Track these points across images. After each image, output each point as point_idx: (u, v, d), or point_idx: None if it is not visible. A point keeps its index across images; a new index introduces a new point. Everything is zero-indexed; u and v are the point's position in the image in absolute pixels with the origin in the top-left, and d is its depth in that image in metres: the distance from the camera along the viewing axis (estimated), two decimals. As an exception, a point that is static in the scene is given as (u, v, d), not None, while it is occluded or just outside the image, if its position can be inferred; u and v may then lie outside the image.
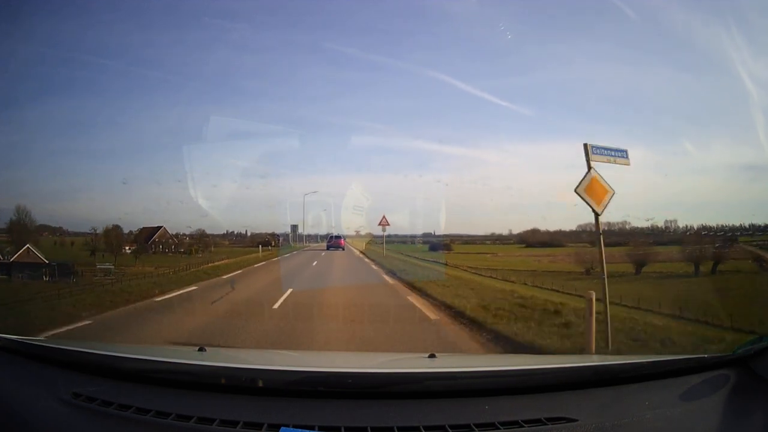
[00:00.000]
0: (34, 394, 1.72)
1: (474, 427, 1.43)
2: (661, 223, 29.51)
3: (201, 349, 2.18)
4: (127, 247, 33.04)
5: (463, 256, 32.68)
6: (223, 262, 22.49)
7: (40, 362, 1.94)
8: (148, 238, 34.60)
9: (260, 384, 1.63)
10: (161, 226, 34.96)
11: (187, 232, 36.52)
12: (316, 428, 1.40)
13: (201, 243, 36.84)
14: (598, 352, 4.77)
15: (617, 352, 4.88)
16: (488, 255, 36.75)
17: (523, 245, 38.52)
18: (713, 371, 1.77)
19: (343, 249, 30.16)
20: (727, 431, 1.51)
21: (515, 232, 40.09)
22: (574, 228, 34.64)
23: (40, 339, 2.26)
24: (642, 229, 29.93)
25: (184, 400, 1.59)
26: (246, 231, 40.53)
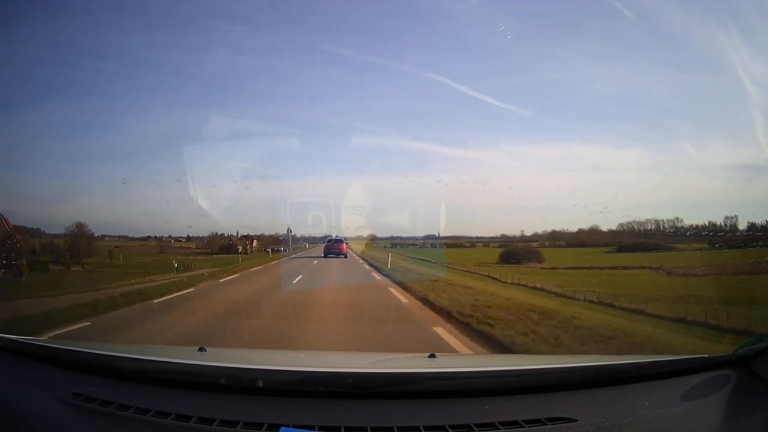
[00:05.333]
0: (34, 394, 1.72)
1: (474, 427, 1.43)
2: (719, 220, 23.62)
3: (201, 349, 2.18)
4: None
5: (585, 276, 18.20)
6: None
7: (40, 362, 1.94)
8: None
9: (260, 384, 1.62)
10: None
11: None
12: (316, 428, 1.40)
13: (72, 249, 20.12)
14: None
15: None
16: (660, 270, 19.44)
17: (611, 248, 26.43)
18: (713, 371, 1.77)
19: (346, 256, 22.73)
20: (727, 431, 1.51)
21: (528, 233, 32.30)
22: (614, 227, 28.10)
23: (40, 339, 2.26)
24: (688, 227, 23.99)
25: (184, 400, 1.58)
26: (237, 232, 36.83)
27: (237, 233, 36.92)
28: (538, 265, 23.73)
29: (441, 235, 29.64)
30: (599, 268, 22.63)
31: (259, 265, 19.69)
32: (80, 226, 22.14)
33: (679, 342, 6.27)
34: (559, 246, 28.59)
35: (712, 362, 1.79)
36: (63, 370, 1.87)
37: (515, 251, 25.01)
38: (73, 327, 6.46)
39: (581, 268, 22.56)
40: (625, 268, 21.68)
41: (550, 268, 23.28)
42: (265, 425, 1.42)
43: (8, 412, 1.61)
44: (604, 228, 28.42)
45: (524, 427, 1.44)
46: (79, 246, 21.42)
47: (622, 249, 26.29)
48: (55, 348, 2.02)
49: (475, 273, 18.84)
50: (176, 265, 20.54)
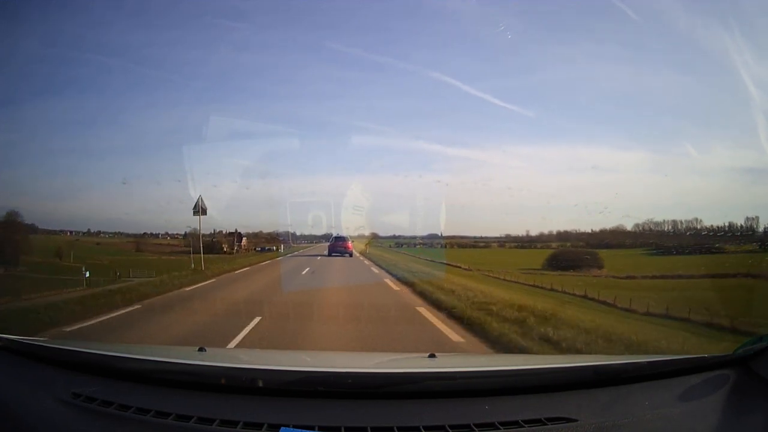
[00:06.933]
0: (34, 394, 1.72)
1: (474, 427, 1.43)
2: (740, 221, 20.23)
3: (201, 349, 2.18)
4: None
5: (705, 292, 13.04)
6: None
7: (40, 362, 1.94)
8: None
9: (260, 384, 1.63)
10: None
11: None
12: (316, 428, 1.40)
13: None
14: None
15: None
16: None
17: (646, 250, 22.46)
18: (713, 371, 1.77)
19: (351, 255, 22.25)
20: (727, 431, 1.51)
21: (532, 233, 32.58)
22: (630, 228, 26.34)
23: (40, 339, 2.25)
24: (709, 228, 20.73)
25: (184, 400, 1.58)
26: (236, 230, 37.12)
27: (236, 230, 37.00)
28: (601, 272, 18.11)
29: (443, 234, 28.60)
30: (690, 276, 17.12)
31: (211, 279, 12.93)
32: (11, 215, 16.77)
33: None
34: (581, 248, 24.64)
35: (712, 362, 1.79)
36: (63, 370, 1.87)
37: (568, 255, 19.97)
38: None
39: (668, 278, 17.23)
40: (716, 276, 15.45)
41: (626, 278, 17.96)
42: (265, 425, 1.42)
43: (8, 412, 1.61)
44: (627, 228, 25.92)
45: (524, 427, 1.44)
46: (10, 241, 16.01)
47: (663, 251, 21.78)
48: (55, 348, 2.01)
49: (555, 291, 13.13)
50: (87, 274, 16.68)
